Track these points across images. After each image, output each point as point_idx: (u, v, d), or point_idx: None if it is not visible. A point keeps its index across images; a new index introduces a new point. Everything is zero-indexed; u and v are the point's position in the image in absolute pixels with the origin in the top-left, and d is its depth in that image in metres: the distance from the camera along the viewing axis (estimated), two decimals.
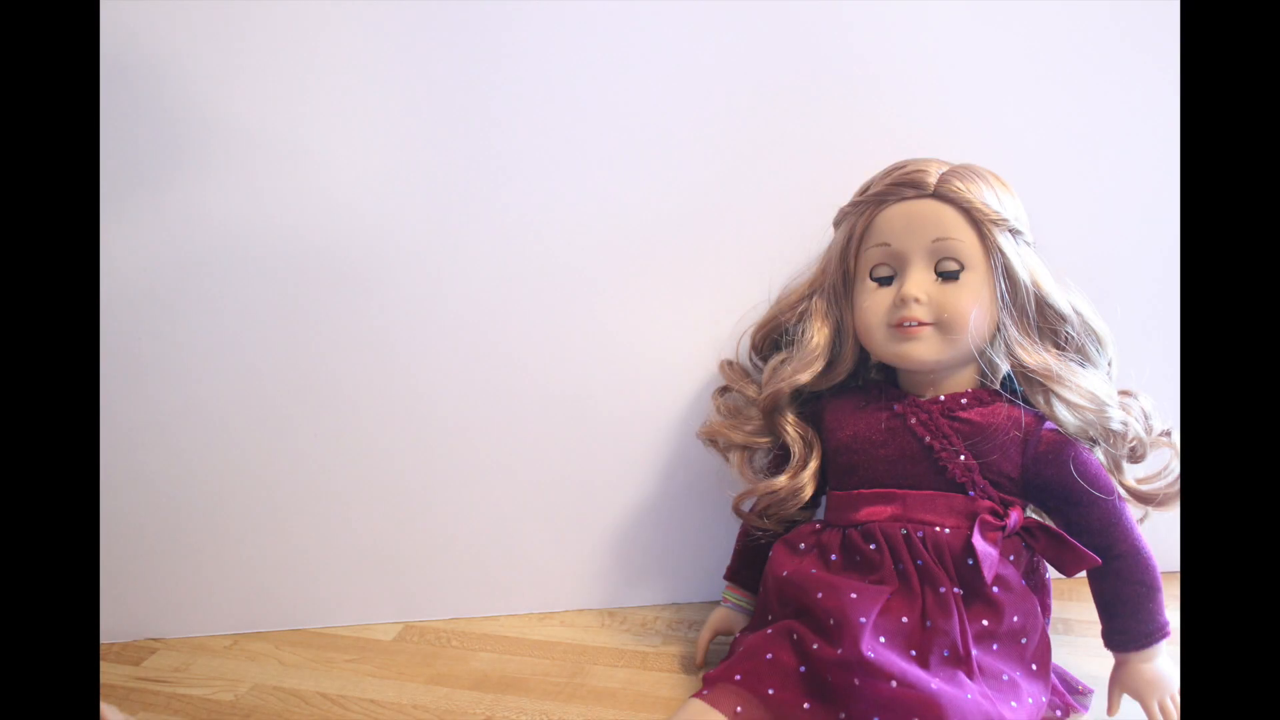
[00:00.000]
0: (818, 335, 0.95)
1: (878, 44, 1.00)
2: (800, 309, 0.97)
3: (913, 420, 0.90)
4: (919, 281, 0.88)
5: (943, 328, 0.87)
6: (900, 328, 0.88)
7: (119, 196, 1.01)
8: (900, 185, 0.89)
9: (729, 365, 1.04)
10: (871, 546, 0.88)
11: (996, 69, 1.01)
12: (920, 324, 0.87)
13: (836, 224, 0.95)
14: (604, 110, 1.01)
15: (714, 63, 1.00)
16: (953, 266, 0.87)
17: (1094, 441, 0.90)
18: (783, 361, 0.97)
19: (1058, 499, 0.88)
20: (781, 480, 0.96)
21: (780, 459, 0.99)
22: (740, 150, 1.02)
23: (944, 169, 0.88)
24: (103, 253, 1.02)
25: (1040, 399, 0.88)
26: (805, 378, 0.95)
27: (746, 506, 1.00)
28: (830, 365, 0.96)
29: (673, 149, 1.02)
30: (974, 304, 0.86)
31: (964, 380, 0.91)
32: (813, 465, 0.96)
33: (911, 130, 0.99)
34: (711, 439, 1.02)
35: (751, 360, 1.03)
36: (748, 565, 1.02)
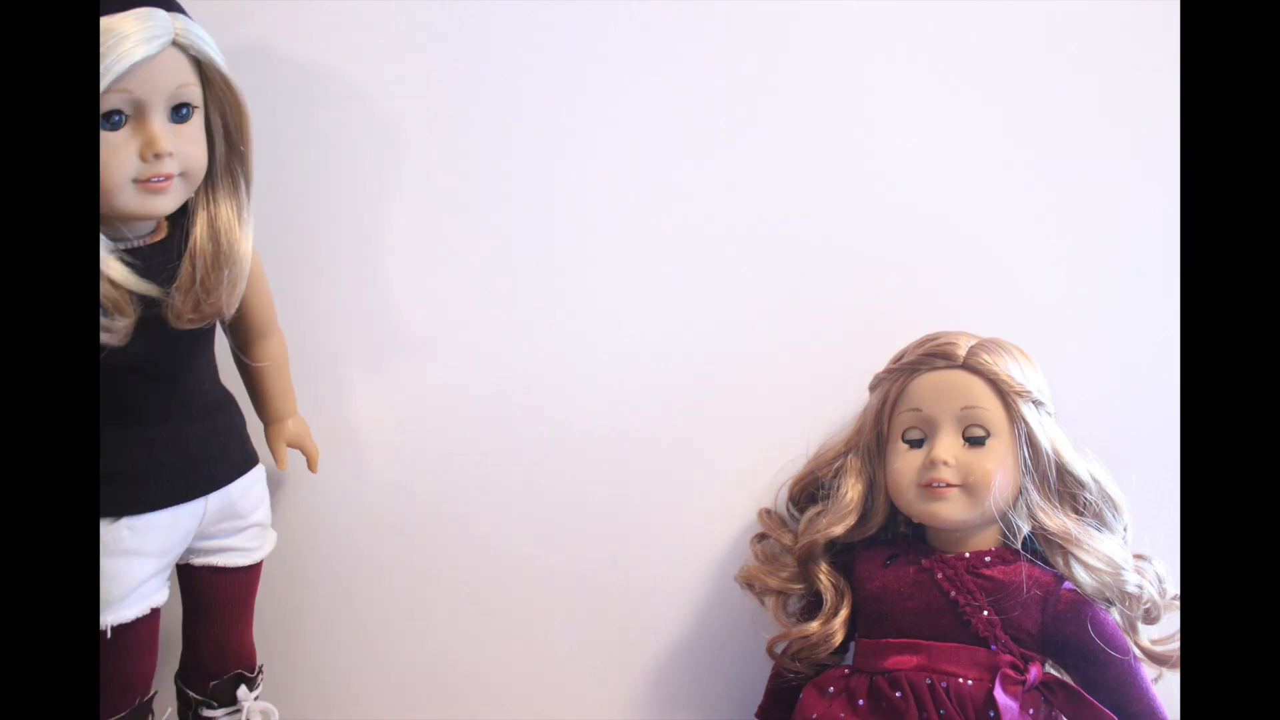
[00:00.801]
0: (851, 491, 1.01)
1: (910, 227, 1.09)
2: (836, 465, 1.03)
3: (939, 575, 0.95)
4: (948, 446, 0.94)
5: (969, 490, 0.93)
6: (929, 488, 0.94)
7: None
8: (932, 356, 0.96)
9: (767, 514, 1.09)
10: (897, 694, 0.91)
11: (1020, 251, 1.09)
12: (948, 485, 0.93)
13: (872, 388, 1.02)
14: (648, 271, 1.08)
15: (763, 233, 1.08)
16: (979, 433, 0.94)
17: (1110, 602, 0.94)
18: (818, 514, 1.02)
19: (1075, 656, 0.92)
20: (814, 626, 0.99)
21: (812, 605, 1.03)
22: (782, 315, 1.10)
23: (972, 342, 0.96)
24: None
25: (1059, 560, 0.93)
26: (839, 530, 1.00)
27: (779, 649, 1.04)
28: (863, 519, 1.01)
29: (721, 311, 1.10)
30: (998, 469, 0.93)
31: (988, 539, 0.96)
32: (843, 613, 1.00)
33: (941, 304, 1.07)
34: (749, 583, 1.07)
35: (789, 511, 1.08)
36: (778, 704, 1.05)
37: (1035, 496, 0.94)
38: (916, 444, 0.97)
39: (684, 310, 1.10)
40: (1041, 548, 0.95)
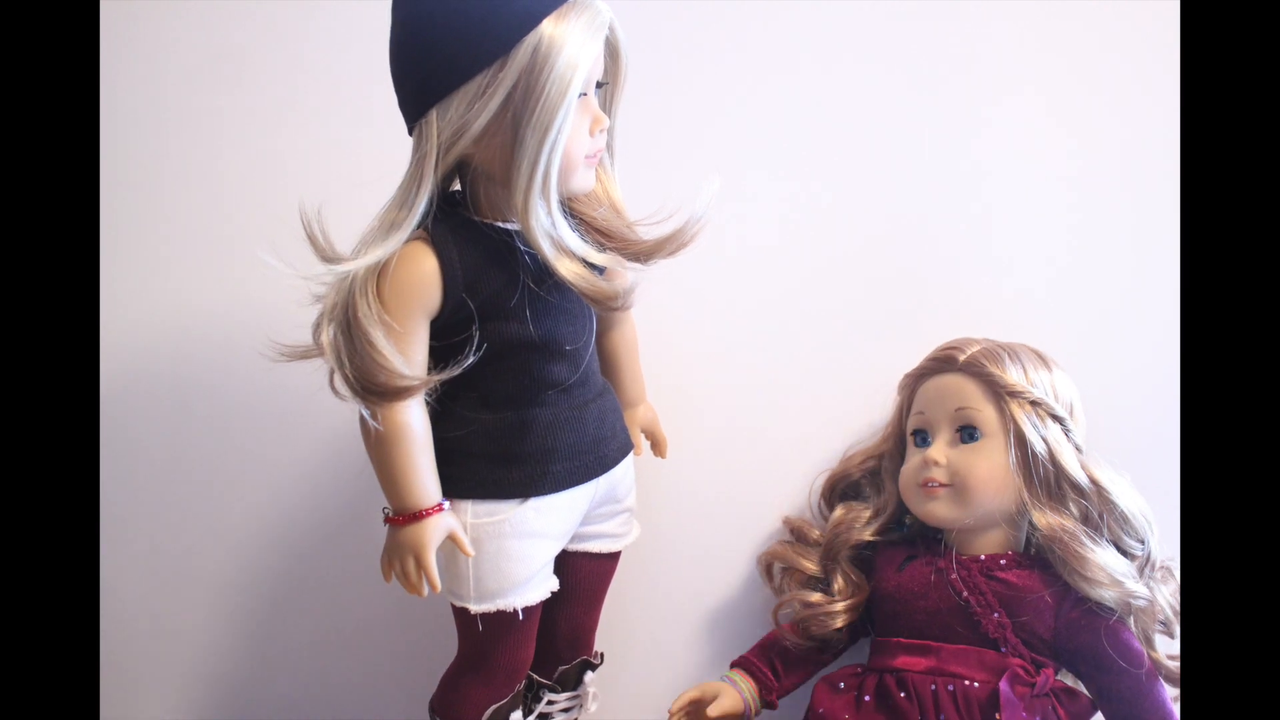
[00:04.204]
0: (883, 492, 1.05)
1: (933, 235, 1.10)
2: (864, 467, 1.07)
3: (953, 576, 0.96)
4: (941, 446, 0.96)
5: (958, 490, 0.95)
6: (925, 488, 0.96)
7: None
8: (936, 361, 0.99)
9: (789, 521, 1.12)
10: (902, 695, 0.93)
11: (1048, 260, 1.09)
12: (939, 485, 0.95)
13: (899, 392, 1.05)
14: (681, 278, 1.05)
15: (794, 241, 1.12)
16: (971, 433, 0.95)
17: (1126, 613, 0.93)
18: (845, 513, 1.05)
19: (1089, 665, 0.92)
20: (819, 596, 1.02)
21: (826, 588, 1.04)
22: (815, 320, 1.12)
23: (976, 348, 0.97)
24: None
25: (1061, 567, 0.92)
26: (867, 533, 1.03)
27: (784, 617, 1.06)
28: (885, 519, 1.04)
29: (756, 315, 1.13)
30: (986, 469, 0.94)
31: (998, 540, 0.97)
32: (852, 600, 1.01)
33: (967, 311, 1.08)
34: (769, 564, 1.09)
35: (820, 510, 1.11)
36: (760, 657, 1.05)
37: (1026, 496, 0.93)
38: (923, 446, 0.99)
39: (719, 315, 1.13)
40: (1047, 554, 0.94)
